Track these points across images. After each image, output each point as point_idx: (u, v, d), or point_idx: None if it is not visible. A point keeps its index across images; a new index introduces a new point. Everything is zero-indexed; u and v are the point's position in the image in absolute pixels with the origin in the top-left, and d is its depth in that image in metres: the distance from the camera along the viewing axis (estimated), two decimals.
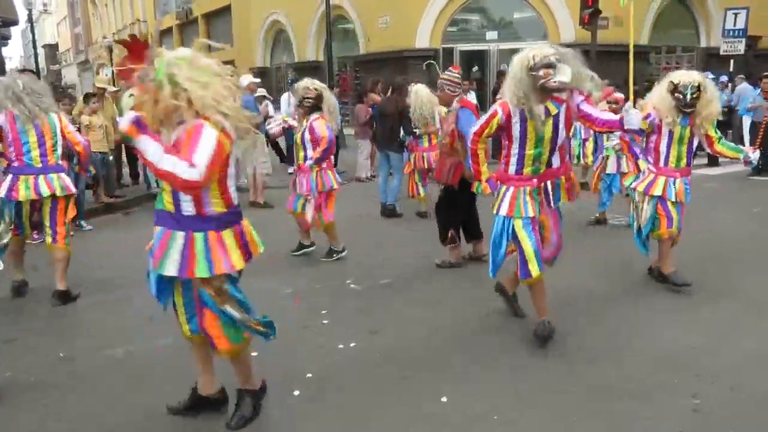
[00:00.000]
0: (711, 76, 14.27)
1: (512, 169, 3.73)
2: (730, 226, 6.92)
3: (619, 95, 6.66)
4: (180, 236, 2.67)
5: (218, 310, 2.75)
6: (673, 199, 4.60)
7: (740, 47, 15.85)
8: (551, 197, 3.80)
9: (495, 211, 3.80)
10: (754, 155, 4.58)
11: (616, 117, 3.84)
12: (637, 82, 14.27)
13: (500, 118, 3.62)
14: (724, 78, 13.89)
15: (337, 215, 5.85)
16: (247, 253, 2.80)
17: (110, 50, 35.25)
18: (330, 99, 5.67)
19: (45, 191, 4.70)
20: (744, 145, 6.09)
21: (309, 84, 5.58)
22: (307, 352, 3.79)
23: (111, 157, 8.85)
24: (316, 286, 5.08)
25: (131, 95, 2.63)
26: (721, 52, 16.36)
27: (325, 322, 4.29)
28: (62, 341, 4.08)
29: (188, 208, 2.65)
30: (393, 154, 8.05)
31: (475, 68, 17.72)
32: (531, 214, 3.70)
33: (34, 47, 28.49)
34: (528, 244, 3.69)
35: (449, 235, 5.46)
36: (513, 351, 3.76)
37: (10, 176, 4.72)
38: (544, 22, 17.17)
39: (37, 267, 5.77)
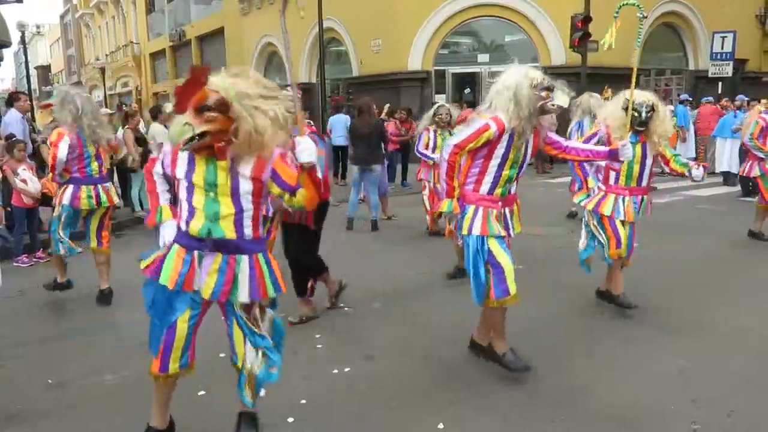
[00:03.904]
0: (683, 97, 14.62)
1: (485, 188, 3.53)
2: (711, 251, 6.92)
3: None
4: (245, 260, 2.67)
5: (250, 332, 2.77)
6: (622, 218, 4.54)
7: (728, 70, 16.13)
8: (509, 224, 3.65)
9: (465, 232, 3.53)
10: (697, 172, 4.53)
11: (601, 148, 3.95)
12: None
13: (493, 132, 3.39)
14: (684, 96, 14.34)
15: (325, 239, 5.81)
16: (153, 269, 2.76)
17: (103, 72, 35.42)
18: None
19: (105, 200, 5.21)
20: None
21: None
22: (300, 377, 3.72)
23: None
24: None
25: (186, 123, 2.46)
26: (710, 75, 16.62)
27: (319, 346, 4.23)
28: (51, 367, 3.99)
29: (249, 232, 2.67)
30: (376, 168, 8.27)
31: (467, 90, 17.87)
32: (503, 233, 3.57)
33: (27, 68, 28.54)
34: (507, 260, 3.52)
35: (309, 286, 4.81)
36: (506, 378, 3.69)
37: (71, 186, 5.11)
38: (535, 45, 17.35)
39: (24, 291, 5.70)
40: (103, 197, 5.19)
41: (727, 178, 11.68)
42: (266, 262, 2.74)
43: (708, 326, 4.53)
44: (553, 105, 3.43)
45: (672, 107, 13.26)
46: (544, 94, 3.42)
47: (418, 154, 7.21)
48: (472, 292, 3.60)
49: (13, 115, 7.70)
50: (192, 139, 2.45)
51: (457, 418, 3.26)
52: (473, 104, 16.79)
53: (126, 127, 8.99)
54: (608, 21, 4.64)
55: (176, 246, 2.69)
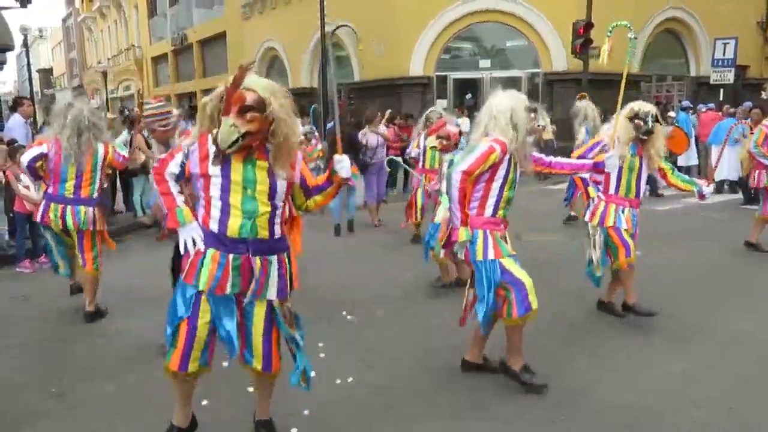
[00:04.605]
0: (685, 104, 14.60)
1: (488, 211, 3.56)
2: (712, 259, 6.91)
3: (452, 130, 5.72)
4: (274, 260, 2.73)
5: (286, 330, 2.83)
6: (626, 227, 4.57)
7: (729, 76, 16.14)
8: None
9: (480, 258, 3.52)
10: (708, 189, 4.60)
11: (586, 161, 4.05)
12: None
13: (498, 155, 3.45)
14: (686, 103, 14.36)
15: (325, 244, 5.82)
16: None
17: (105, 75, 35.48)
18: None
19: (70, 224, 4.81)
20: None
21: None
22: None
23: (105, 184, 8.81)
24: (310, 318, 5.01)
25: (233, 125, 2.45)
26: (711, 81, 16.64)
27: (322, 355, 4.23)
28: (54, 373, 4.00)
29: (278, 230, 2.72)
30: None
31: (469, 95, 17.90)
32: (513, 252, 3.60)
33: (29, 72, 28.62)
34: (525, 275, 3.54)
35: None
36: (507, 382, 3.70)
37: (44, 202, 4.91)
38: (537, 50, 17.39)
39: (28, 297, 5.71)
40: (69, 220, 4.78)
41: (722, 185, 11.66)
42: (289, 259, 2.82)
43: (709, 331, 4.59)
44: (538, 125, 3.54)
45: (674, 114, 13.29)
46: (532, 115, 3.56)
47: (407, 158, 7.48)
48: (480, 317, 3.58)
49: (16, 120, 7.75)
50: (236, 141, 2.46)
51: (458, 423, 3.27)
52: (475, 110, 16.89)
53: (133, 132, 8.98)
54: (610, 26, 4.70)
55: (211, 250, 2.66)
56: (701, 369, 3.91)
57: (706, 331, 4.57)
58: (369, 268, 6.62)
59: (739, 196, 10.88)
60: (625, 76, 4.47)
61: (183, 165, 2.68)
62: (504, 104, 3.54)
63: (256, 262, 2.68)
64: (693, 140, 13.59)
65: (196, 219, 2.69)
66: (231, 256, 2.64)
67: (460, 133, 5.64)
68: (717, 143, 11.81)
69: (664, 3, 18.41)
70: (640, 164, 4.57)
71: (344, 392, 3.70)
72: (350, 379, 3.85)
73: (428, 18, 17.29)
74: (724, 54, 16.11)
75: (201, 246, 2.66)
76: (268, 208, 2.63)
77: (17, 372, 4.06)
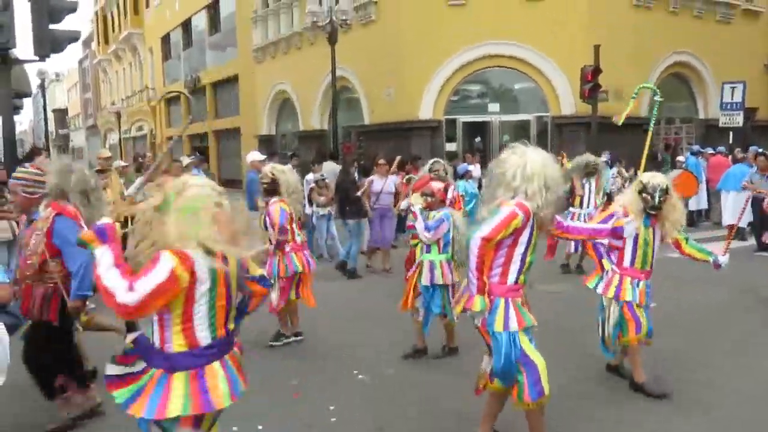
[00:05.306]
0: (695, 148, 14.54)
1: (511, 278, 3.41)
2: (720, 300, 6.87)
3: (436, 186, 5.22)
4: (155, 371, 2.54)
5: None
6: (638, 302, 4.42)
7: (738, 119, 16.20)
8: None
9: (500, 329, 3.36)
10: (724, 259, 4.53)
11: (603, 226, 4.02)
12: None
13: (521, 220, 3.31)
14: (696, 148, 14.40)
15: (335, 297, 5.80)
16: (204, 402, 2.46)
17: (118, 116, 36.12)
18: (289, 183, 5.65)
19: None
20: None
21: (268, 170, 5.71)
22: None
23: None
24: (322, 377, 4.95)
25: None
26: (720, 125, 16.69)
27: (333, 419, 4.17)
28: None
29: (155, 338, 2.54)
30: (351, 221, 9.10)
31: (478, 139, 18.01)
32: (534, 323, 3.45)
33: (45, 113, 29.20)
34: (539, 357, 3.40)
35: (59, 384, 4.00)
36: None
37: None
38: (545, 94, 17.53)
39: None
40: None
41: (739, 232, 11.55)
42: (161, 383, 2.48)
43: (715, 364, 4.91)
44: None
45: (683, 158, 13.29)
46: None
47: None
48: (498, 380, 3.47)
49: None
50: None
51: None
52: (483, 152, 16.97)
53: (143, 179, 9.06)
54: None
55: None
56: (705, 386, 4.37)
57: (711, 364, 4.91)
58: (377, 316, 6.55)
59: (750, 243, 10.78)
60: (648, 143, 4.51)
61: None
62: (538, 165, 3.38)
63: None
64: (704, 184, 13.59)
65: None
66: None
67: (445, 189, 5.35)
68: (726, 189, 11.77)
69: (670, 48, 18.59)
70: (654, 236, 4.46)
71: None
72: None
73: (438, 63, 17.50)
74: (732, 98, 16.20)
75: None
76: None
77: None
